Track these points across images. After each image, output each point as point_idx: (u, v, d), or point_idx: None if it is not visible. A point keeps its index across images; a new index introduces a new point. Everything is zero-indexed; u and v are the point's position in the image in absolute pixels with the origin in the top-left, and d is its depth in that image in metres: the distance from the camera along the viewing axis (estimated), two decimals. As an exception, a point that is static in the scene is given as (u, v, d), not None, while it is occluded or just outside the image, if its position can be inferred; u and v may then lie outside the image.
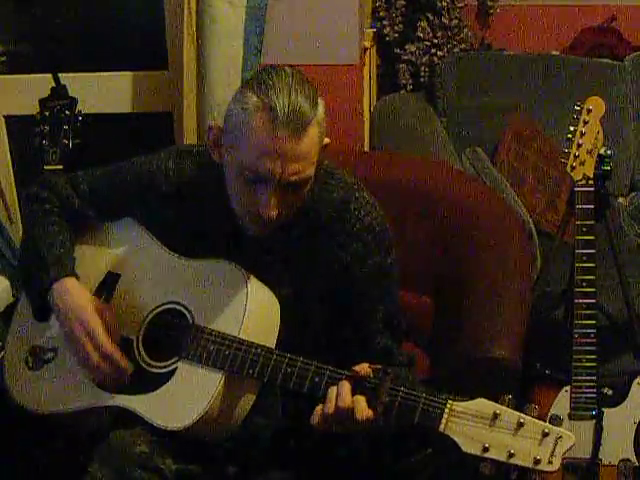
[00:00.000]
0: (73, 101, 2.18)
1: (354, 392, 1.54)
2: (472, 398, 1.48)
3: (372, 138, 3.10)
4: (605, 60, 3.51)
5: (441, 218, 2.32)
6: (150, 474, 1.69)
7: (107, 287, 1.84)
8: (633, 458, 2.13)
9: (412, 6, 3.42)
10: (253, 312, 1.67)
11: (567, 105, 2.19)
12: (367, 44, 3.02)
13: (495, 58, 3.45)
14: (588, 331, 2.13)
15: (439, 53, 3.42)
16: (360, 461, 1.78)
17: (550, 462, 1.43)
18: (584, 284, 2.13)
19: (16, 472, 2.01)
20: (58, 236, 1.83)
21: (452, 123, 3.30)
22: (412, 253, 2.24)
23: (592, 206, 2.16)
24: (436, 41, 3.42)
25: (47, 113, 2.16)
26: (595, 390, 2.13)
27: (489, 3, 3.64)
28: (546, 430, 1.44)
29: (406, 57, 3.41)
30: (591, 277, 2.14)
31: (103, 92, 2.82)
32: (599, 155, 2.17)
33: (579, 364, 2.13)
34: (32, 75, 2.84)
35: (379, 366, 1.57)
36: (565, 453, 1.44)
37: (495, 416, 1.45)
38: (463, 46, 3.49)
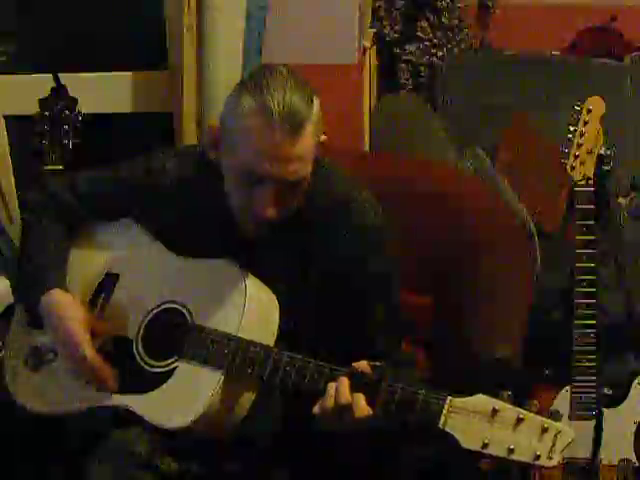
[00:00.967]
0: (73, 101, 2.19)
1: (353, 389, 1.54)
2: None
3: (372, 138, 3.10)
4: (605, 60, 3.51)
5: (441, 218, 2.32)
6: (150, 474, 1.69)
7: (106, 287, 1.83)
8: (633, 458, 2.13)
9: (412, 6, 3.43)
10: (251, 311, 1.67)
11: (567, 105, 2.19)
12: (367, 44, 3.02)
13: (495, 58, 3.45)
14: (588, 331, 2.13)
15: (439, 53, 3.42)
16: (360, 461, 1.78)
17: (550, 457, 1.43)
18: (584, 284, 2.13)
19: (16, 472, 2.01)
20: (51, 247, 1.83)
21: (452, 123, 3.30)
22: (412, 253, 2.24)
23: (592, 206, 2.15)
24: (436, 41, 3.42)
25: (47, 113, 2.16)
26: (595, 390, 2.14)
27: (489, 3, 3.64)
28: (545, 425, 1.43)
29: (406, 57, 3.42)
30: (591, 277, 2.14)
31: (103, 92, 2.82)
32: (599, 155, 2.16)
33: (579, 364, 2.13)
34: (32, 75, 2.83)
35: (378, 363, 1.57)
36: (565, 448, 1.43)
37: (494, 412, 1.45)
38: (463, 46, 3.49)
